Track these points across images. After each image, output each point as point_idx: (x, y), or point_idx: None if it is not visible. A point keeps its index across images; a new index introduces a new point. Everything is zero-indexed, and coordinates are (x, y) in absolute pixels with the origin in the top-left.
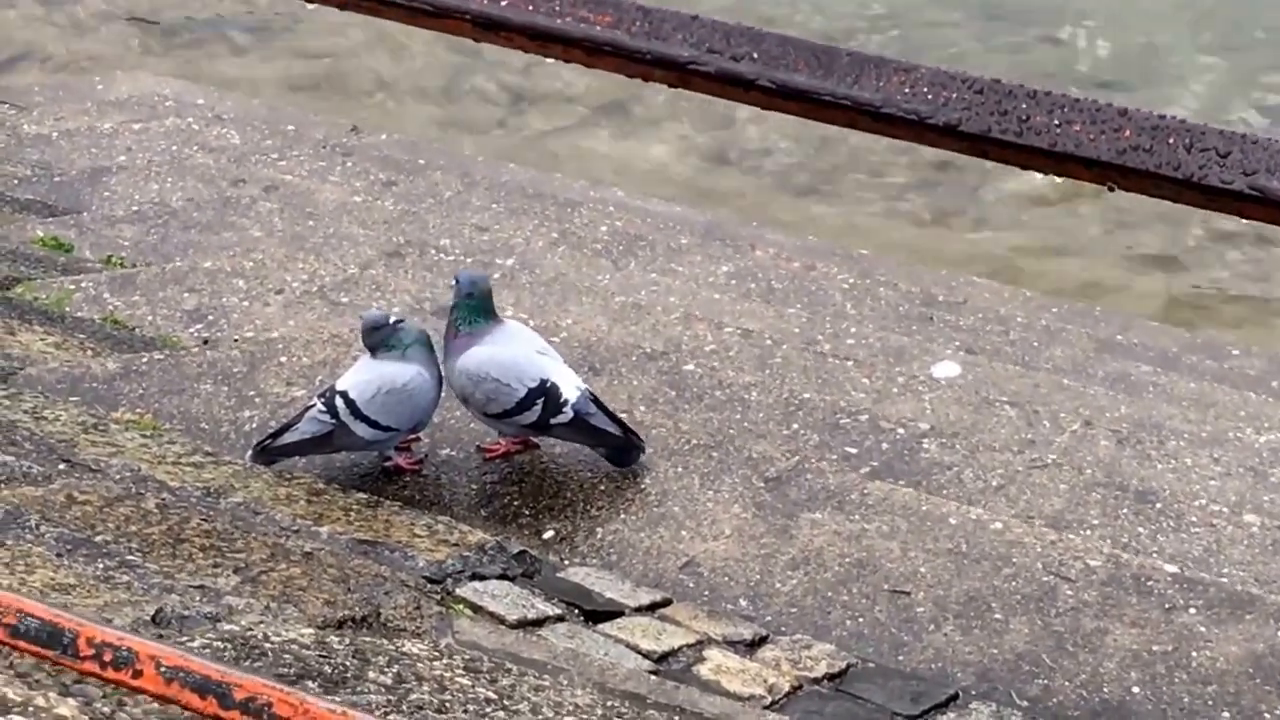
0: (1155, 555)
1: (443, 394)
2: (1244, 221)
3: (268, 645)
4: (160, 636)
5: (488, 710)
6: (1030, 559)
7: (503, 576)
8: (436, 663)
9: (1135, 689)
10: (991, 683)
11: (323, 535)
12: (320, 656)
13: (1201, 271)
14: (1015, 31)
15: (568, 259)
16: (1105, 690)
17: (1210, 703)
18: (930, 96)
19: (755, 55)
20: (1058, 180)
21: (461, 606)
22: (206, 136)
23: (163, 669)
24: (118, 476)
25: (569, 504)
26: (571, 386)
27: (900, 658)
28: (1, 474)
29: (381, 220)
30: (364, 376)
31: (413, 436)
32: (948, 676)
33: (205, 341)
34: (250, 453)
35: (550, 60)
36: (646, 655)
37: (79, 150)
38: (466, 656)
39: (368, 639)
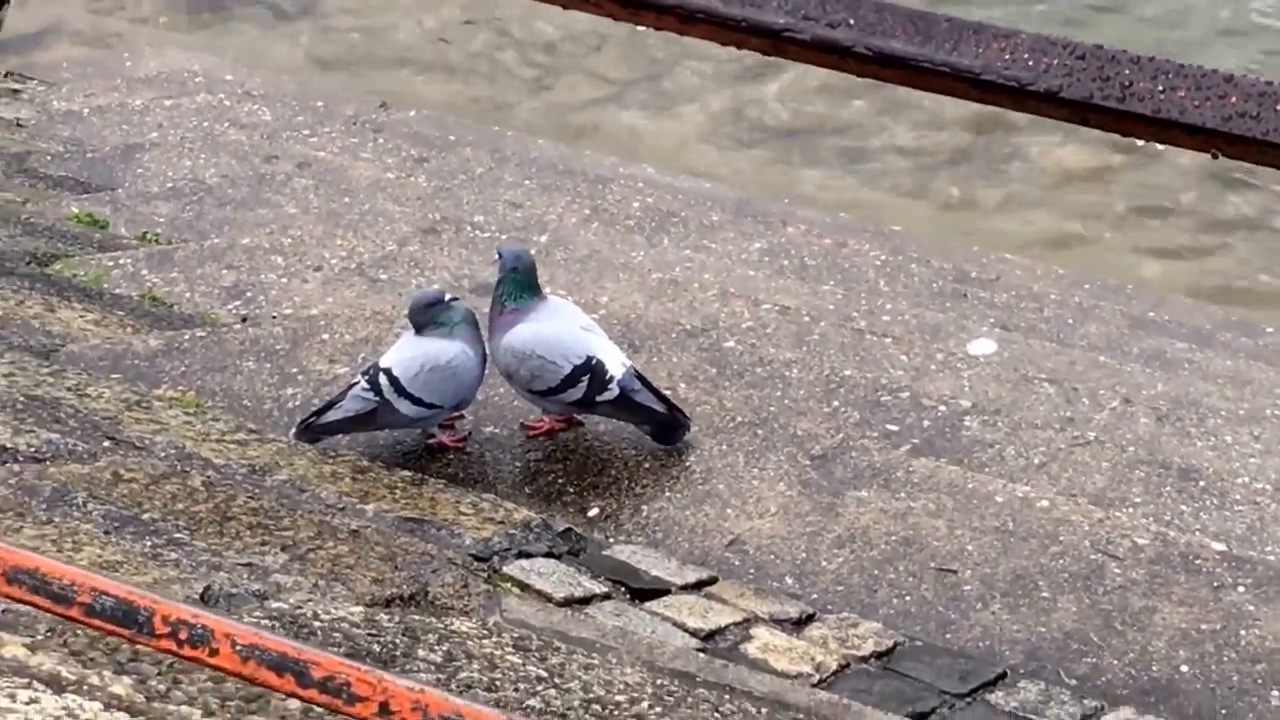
0: (1200, 533)
1: (486, 371)
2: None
3: (317, 624)
4: None
5: (538, 689)
6: (1077, 537)
7: (549, 554)
8: (485, 641)
9: (1184, 667)
10: (1040, 661)
11: (369, 513)
12: (369, 635)
13: (1232, 251)
14: None
15: (601, 235)
16: (1154, 669)
17: (1260, 681)
18: (1030, 63)
19: (851, 21)
20: (1086, 155)
21: (509, 585)
22: (238, 113)
23: (238, 647)
24: (163, 454)
25: (613, 482)
26: (617, 363)
27: (948, 636)
28: (47, 451)
29: (415, 197)
30: (408, 354)
31: (456, 414)
32: (996, 655)
33: (244, 319)
34: (294, 430)
35: (578, 35)
36: (694, 633)
37: (110, 127)
38: (515, 634)
39: (416, 617)
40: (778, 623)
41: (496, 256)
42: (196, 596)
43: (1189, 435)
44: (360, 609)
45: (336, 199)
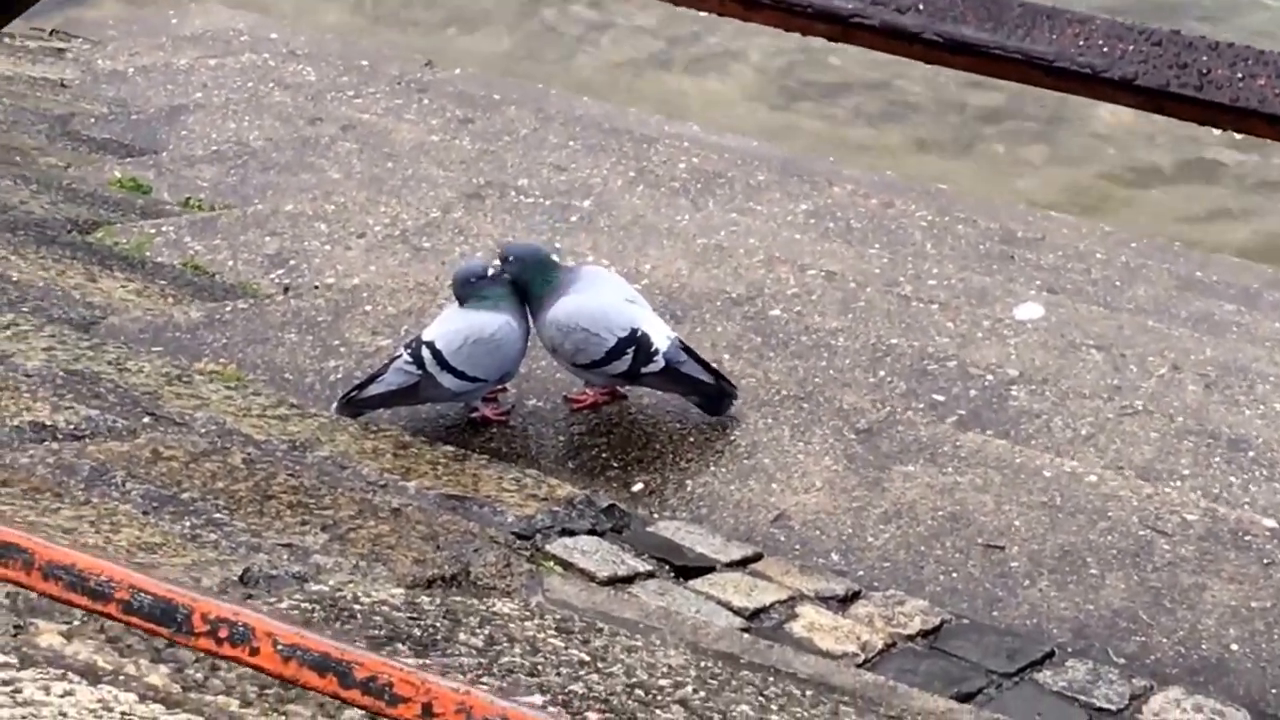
0: (1249, 506)
1: (530, 344)
2: None
3: (357, 607)
4: (249, 597)
5: (581, 673)
6: (1126, 513)
7: (592, 532)
8: (528, 623)
9: (1234, 646)
10: (1088, 640)
11: (410, 490)
12: (410, 618)
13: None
14: None
15: (646, 199)
16: (1203, 647)
17: None
18: (1105, 49)
19: (921, 7)
20: (1134, 114)
21: (551, 563)
22: (282, 73)
23: (280, 646)
24: (203, 430)
25: (658, 456)
26: (662, 335)
27: (995, 614)
28: (87, 428)
29: (459, 160)
30: (451, 326)
31: (500, 387)
32: (1043, 633)
33: (286, 289)
34: (335, 405)
35: None
36: (738, 612)
37: (155, 87)
38: (558, 616)
39: (458, 599)
40: (823, 600)
41: (507, 259)
42: (236, 579)
43: (1237, 403)
44: (401, 591)
45: (380, 163)
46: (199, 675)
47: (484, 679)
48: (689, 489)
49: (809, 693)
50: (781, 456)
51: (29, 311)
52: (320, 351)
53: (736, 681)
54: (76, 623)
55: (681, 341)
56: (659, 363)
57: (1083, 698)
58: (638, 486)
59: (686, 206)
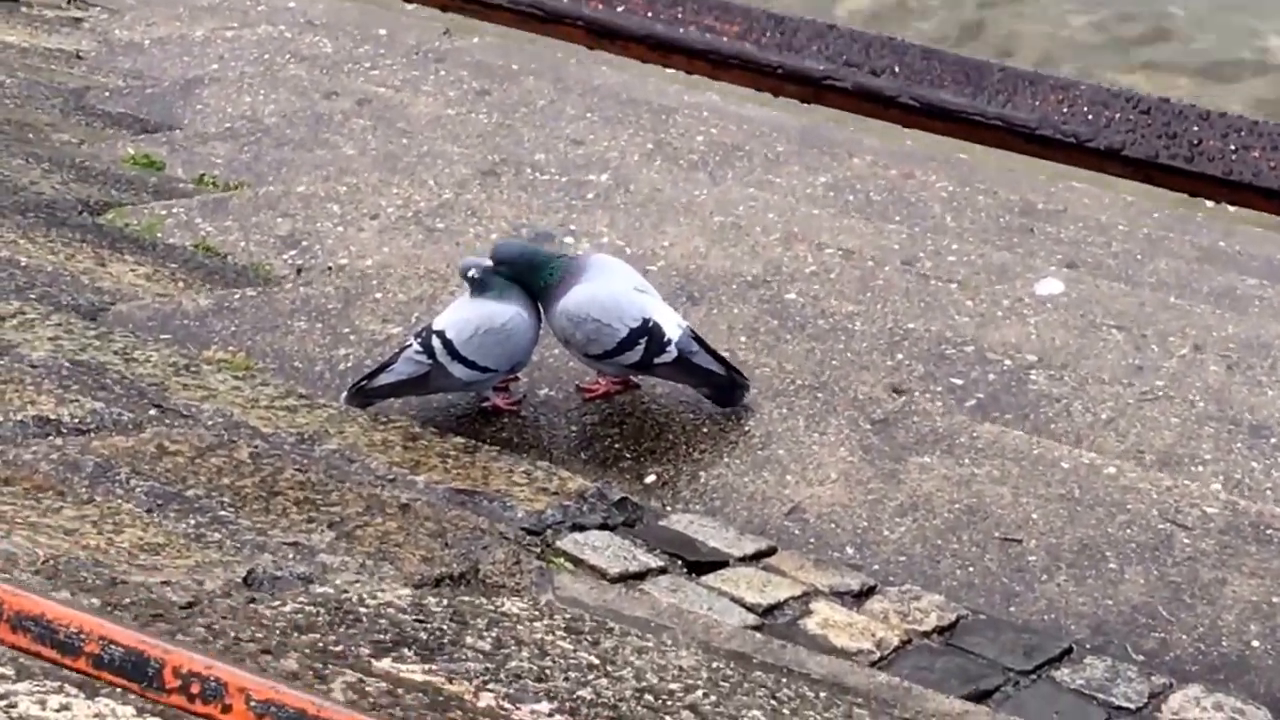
0: (1270, 493)
1: (541, 332)
2: None
3: (363, 610)
4: (252, 601)
5: (589, 677)
6: (1145, 505)
7: (603, 526)
8: (537, 624)
9: (1255, 642)
10: (1106, 636)
11: (419, 485)
12: (417, 621)
13: None
14: None
15: (663, 173)
16: (1224, 644)
17: None
18: (1090, 117)
19: (897, 69)
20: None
21: (562, 560)
22: (299, 44)
23: (253, 703)
24: (210, 423)
25: (671, 447)
26: (673, 325)
27: (1012, 609)
28: (92, 422)
29: (475, 134)
30: (461, 316)
31: (511, 377)
32: (1061, 629)
33: (299, 270)
34: (345, 395)
35: None
36: (751, 608)
37: (171, 59)
38: (568, 615)
39: (466, 599)
40: (838, 595)
41: (498, 263)
42: (240, 581)
43: (1259, 384)
44: (408, 591)
45: (395, 139)
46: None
47: (490, 685)
48: (702, 481)
49: (822, 694)
50: (796, 447)
51: (36, 299)
52: (330, 339)
53: (748, 684)
54: None
55: (693, 331)
56: (671, 353)
57: (1101, 696)
58: (650, 478)
59: (704, 180)
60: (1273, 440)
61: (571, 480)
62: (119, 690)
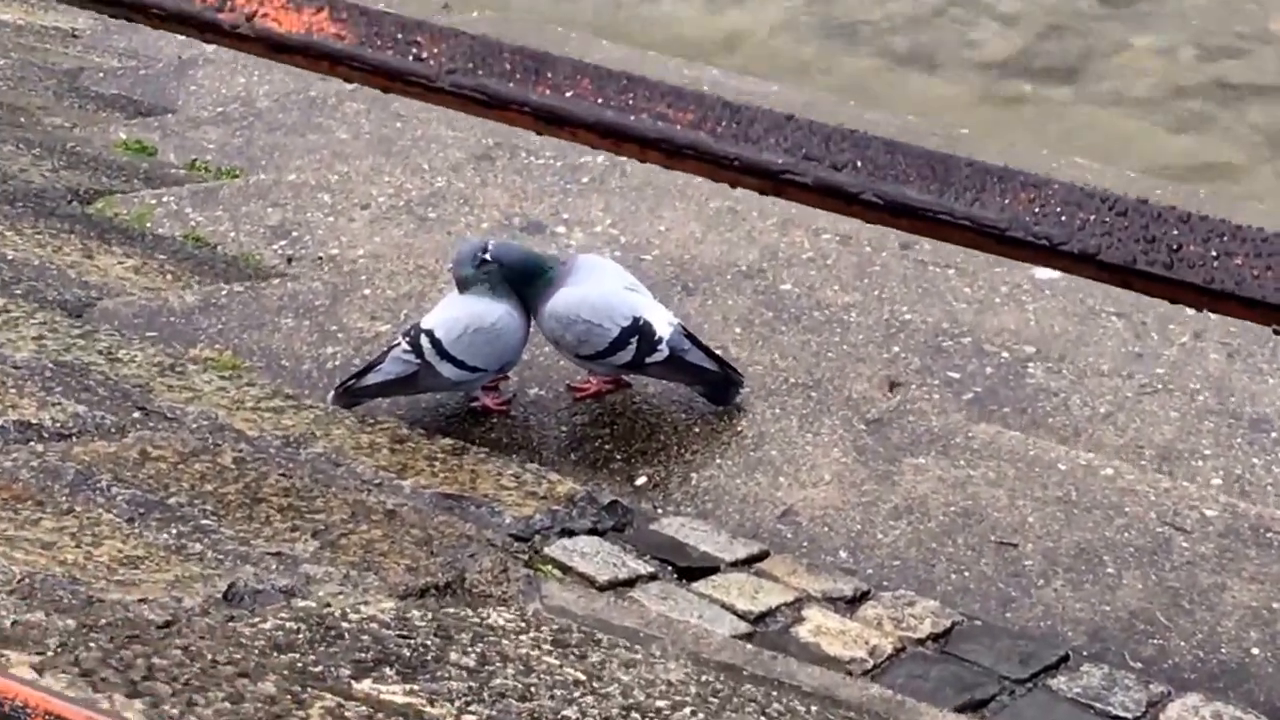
0: (1271, 489)
1: (531, 331)
2: None
3: (345, 625)
4: (231, 619)
5: (575, 695)
6: (1143, 508)
7: (593, 531)
8: (523, 637)
9: (1255, 650)
10: (1104, 643)
11: (406, 489)
12: (400, 637)
13: None
14: None
15: None
16: (1223, 651)
17: None
18: (1064, 218)
19: (859, 164)
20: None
21: (550, 567)
22: None
23: None
24: (194, 426)
25: (663, 448)
26: (664, 323)
27: (1008, 615)
28: (74, 427)
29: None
30: (450, 314)
31: (500, 376)
32: (1058, 636)
33: (289, 260)
34: (332, 394)
35: None
36: (743, 616)
37: (166, 38)
38: (555, 627)
39: (451, 611)
40: (831, 601)
41: (488, 260)
42: (220, 596)
43: (1260, 372)
44: (392, 604)
45: (389, 123)
46: (175, 710)
47: (473, 706)
48: (694, 482)
49: (813, 708)
50: (789, 448)
51: (21, 295)
52: (318, 337)
53: (738, 699)
54: (50, 653)
55: (685, 329)
56: (663, 351)
57: (1098, 705)
58: (641, 480)
59: None
60: (1273, 434)
61: (561, 484)
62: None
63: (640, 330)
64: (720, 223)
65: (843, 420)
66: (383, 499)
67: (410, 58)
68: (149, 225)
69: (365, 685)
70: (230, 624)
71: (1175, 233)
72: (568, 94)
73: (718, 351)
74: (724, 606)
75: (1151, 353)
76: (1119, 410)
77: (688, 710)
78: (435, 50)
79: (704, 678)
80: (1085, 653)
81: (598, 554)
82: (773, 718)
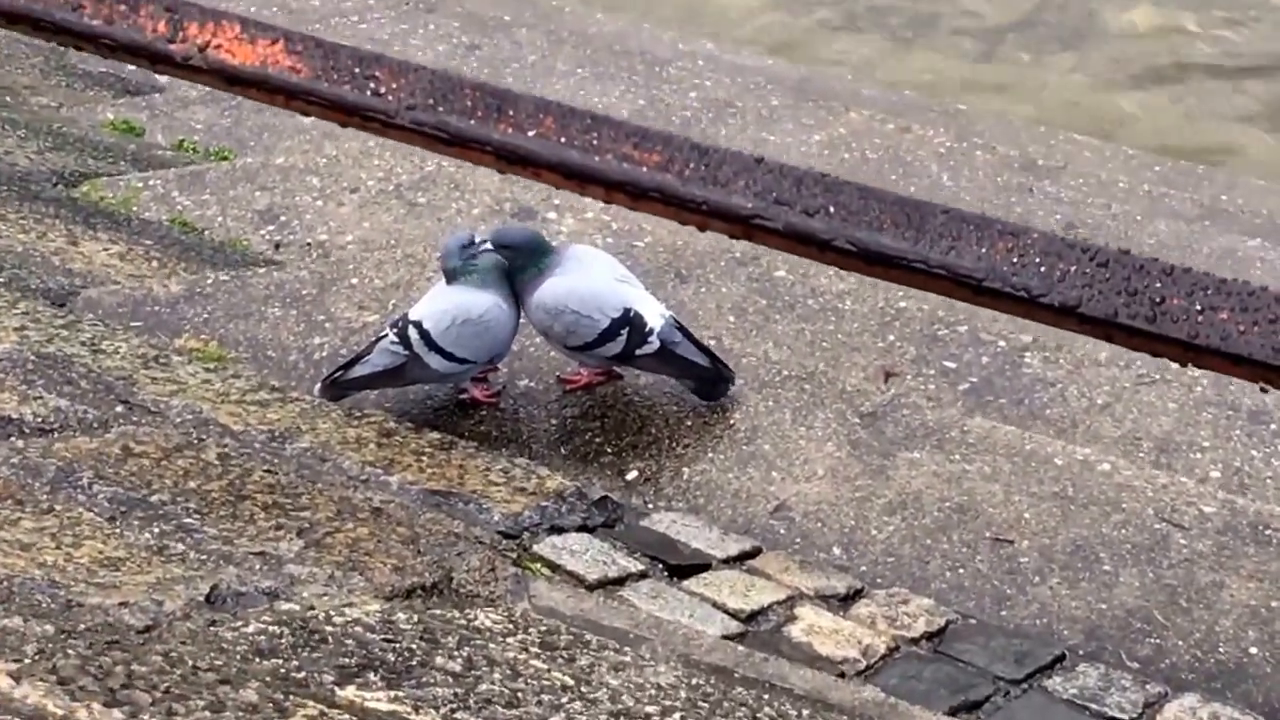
0: (1270, 483)
1: (521, 322)
2: None
3: (329, 628)
4: (214, 623)
5: (562, 700)
6: (1141, 504)
7: (583, 528)
8: (510, 639)
9: (1253, 649)
10: (1100, 642)
11: (393, 485)
12: (386, 640)
13: None
14: None
15: None
16: (1221, 650)
17: None
18: (1044, 269)
19: (831, 209)
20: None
21: (539, 565)
22: None
23: None
24: (178, 420)
25: (654, 441)
26: (655, 314)
27: (1003, 613)
28: (55, 422)
29: None
30: (439, 306)
31: (490, 368)
32: (1053, 634)
33: (277, 246)
34: (319, 387)
35: None
36: (734, 615)
37: None
38: (543, 628)
39: (438, 612)
40: (824, 599)
41: (501, 246)
42: (202, 599)
43: None
44: (377, 606)
45: None
46: None
47: (458, 713)
48: (685, 477)
49: (805, 712)
50: (782, 442)
51: (4, 284)
52: (305, 327)
53: (729, 703)
54: (27, 660)
55: (677, 321)
56: (654, 343)
57: (1094, 706)
58: (632, 474)
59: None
60: (1272, 426)
61: (550, 479)
62: None
63: (630, 322)
64: None
65: (836, 413)
66: (369, 496)
67: (368, 92)
68: (135, 209)
69: (349, 692)
70: (212, 628)
71: (1159, 285)
72: (530, 133)
73: (711, 343)
74: (715, 605)
75: None
76: (1116, 401)
77: (677, 715)
78: (394, 85)
79: (694, 681)
80: (1081, 652)
81: (587, 551)
82: None
